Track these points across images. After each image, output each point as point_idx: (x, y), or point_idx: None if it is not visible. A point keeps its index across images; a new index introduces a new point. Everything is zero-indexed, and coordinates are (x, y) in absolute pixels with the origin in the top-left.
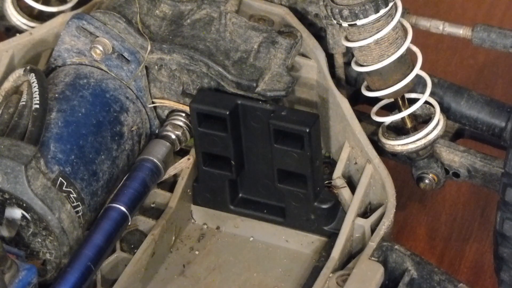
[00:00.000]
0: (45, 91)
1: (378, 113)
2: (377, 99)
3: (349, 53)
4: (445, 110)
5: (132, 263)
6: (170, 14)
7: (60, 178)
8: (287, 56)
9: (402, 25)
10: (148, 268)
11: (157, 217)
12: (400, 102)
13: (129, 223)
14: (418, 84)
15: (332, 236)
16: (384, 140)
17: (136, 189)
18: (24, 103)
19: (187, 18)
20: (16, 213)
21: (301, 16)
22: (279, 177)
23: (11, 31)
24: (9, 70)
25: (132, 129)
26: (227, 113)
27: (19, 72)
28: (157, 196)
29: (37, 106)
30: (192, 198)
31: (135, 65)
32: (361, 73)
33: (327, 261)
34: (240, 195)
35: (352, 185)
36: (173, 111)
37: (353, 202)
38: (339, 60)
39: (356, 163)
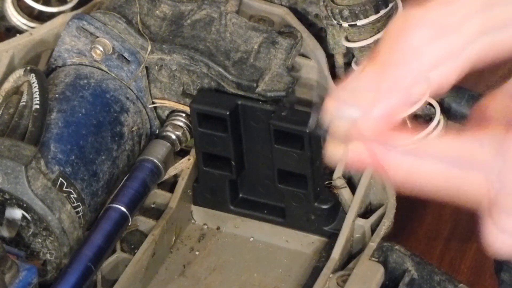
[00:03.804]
0: (46, 92)
1: None
2: None
3: (349, 54)
4: (445, 110)
5: (133, 263)
6: (170, 15)
7: (61, 179)
8: (287, 57)
9: None
10: (148, 268)
11: (158, 217)
12: None
13: (130, 224)
14: None
15: (332, 237)
16: None
17: (136, 190)
18: (24, 103)
19: (187, 19)
20: (16, 213)
21: (301, 16)
22: (279, 178)
23: (11, 31)
24: (9, 70)
25: (133, 129)
26: (227, 113)
27: (19, 72)
28: (158, 196)
29: (37, 106)
30: (193, 199)
31: (136, 65)
32: None
33: (327, 261)
34: (241, 195)
35: (352, 186)
36: (173, 112)
37: (353, 203)
38: (340, 61)
39: None
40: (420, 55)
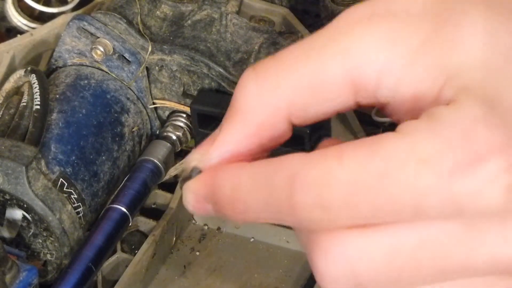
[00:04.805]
0: (46, 92)
1: (378, 114)
2: None
3: None
4: None
5: (133, 264)
6: (171, 15)
7: (61, 179)
8: None
9: None
10: (149, 269)
11: (158, 217)
12: None
13: (130, 224)
14: None
15: None
16: None
17: (137, 190)
18: (25, 104)
19: (187, 19)
20: (16, 214)
21: (302, 16)
22: None
23: (12, 32)
24: (10, 71)
25: (133, 130)
26: None
27: (20, 73)
28: (158, 197)
29: (38, 107)
30: None
31: (136, 66)
32: None
33: None
34: None
35: None
36: (173, 112)
37: None
38: None
39: None
40: (247, 115)
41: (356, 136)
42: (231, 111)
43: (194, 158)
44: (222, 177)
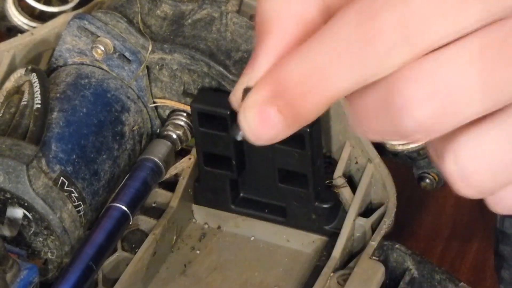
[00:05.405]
0: (47, 91)
1: None
2: None
3: None
4: None
5: (133, 262)
6: (171, 14)
7: (62, 178)
8: None
9: None
10: (149, 267)
11: (158, 216)
12: None
13: (130, 223)
14: None
15: (333, 236)
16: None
17: (137, 189)
18: (25, 103)
19: (188, 18)
20: (17, 212)
21: None
22: (280, 177)
23: (13, 31)
24: (11, 70)
25: (133, 128)
26: (228, 112)
27: (21, 72)
28: (158, 195)
29: (39, 106)
30: (193, 198)
31: (136, 65)
32: None
33: (328, 260)
34: (241, 194)
35: (353, 184)
36: (174, 111)
37: (354, 202)
38: None
39: (357, 162)
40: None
41: (355, 135)
42: (261, 24)
43: (241, 83)
44: (284, 61)
